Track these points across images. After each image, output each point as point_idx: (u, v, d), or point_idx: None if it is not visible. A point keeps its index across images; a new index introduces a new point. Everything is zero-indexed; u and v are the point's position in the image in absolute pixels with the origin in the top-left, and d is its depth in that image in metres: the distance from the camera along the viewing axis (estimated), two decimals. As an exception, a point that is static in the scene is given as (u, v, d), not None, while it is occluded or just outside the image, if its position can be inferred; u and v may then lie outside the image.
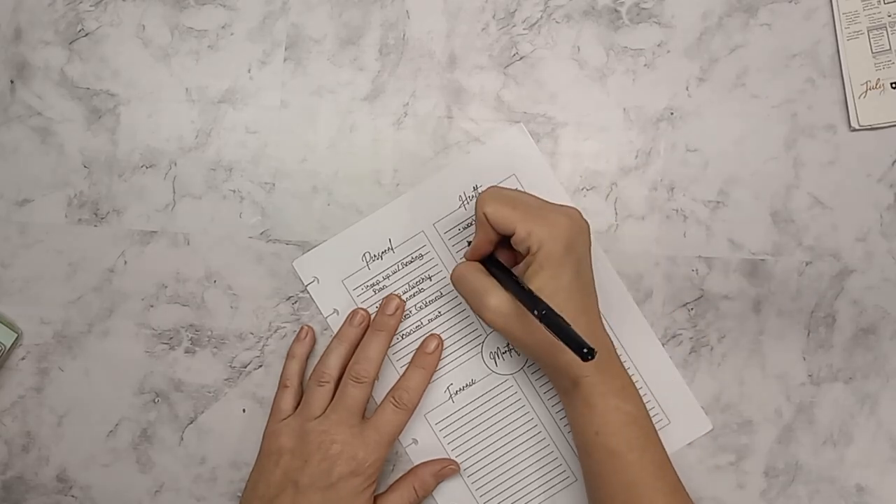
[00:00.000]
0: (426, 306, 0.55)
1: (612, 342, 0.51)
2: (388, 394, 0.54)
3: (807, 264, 0.55)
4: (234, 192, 0.56)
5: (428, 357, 0.54)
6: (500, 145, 0.55)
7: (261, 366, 0.55)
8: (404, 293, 0.55)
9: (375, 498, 0.53)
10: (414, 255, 0.55)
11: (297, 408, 0.54)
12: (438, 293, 0.55)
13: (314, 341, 0.55)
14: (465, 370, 0.55)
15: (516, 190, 0.51)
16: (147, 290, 0.56)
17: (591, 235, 0.51)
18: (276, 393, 0.54)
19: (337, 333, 0.54)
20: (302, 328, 0.55)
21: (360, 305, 0.55)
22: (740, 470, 0.55)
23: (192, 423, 0.56)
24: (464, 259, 0.53)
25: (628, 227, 0.55)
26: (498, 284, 0.49)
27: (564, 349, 0.43)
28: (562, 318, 0.44)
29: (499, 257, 0.52)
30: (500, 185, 0.55)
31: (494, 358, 0.55)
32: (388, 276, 0.55)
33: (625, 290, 0.55)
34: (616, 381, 0.50)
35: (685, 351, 0.55)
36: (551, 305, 0.45)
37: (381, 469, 0.52)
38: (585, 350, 0.41)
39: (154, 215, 0.56)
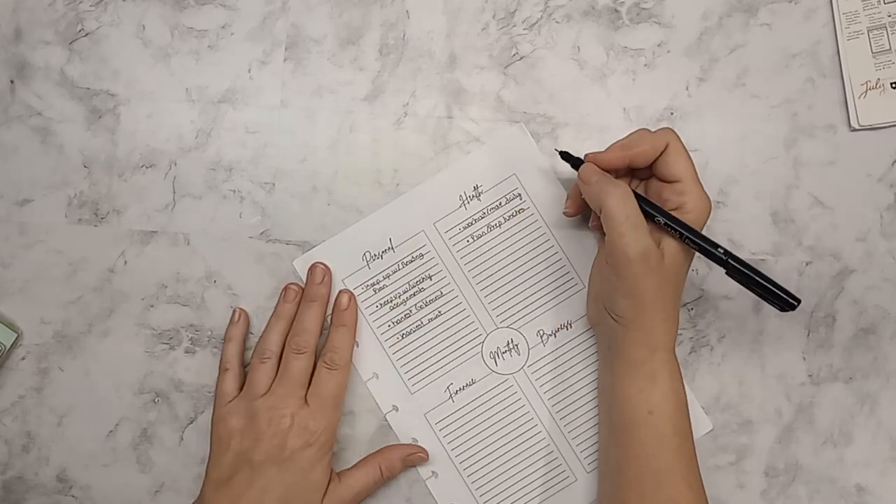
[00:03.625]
0: (426, 306, 0.55)
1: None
2: (318, 359, 0.54)
3: (807, 264, 0.55)
4: (234, 192, 0.56)
5: (345, 314, 0.54)
6: (500, 145, 0.55)
7: (261, 366, 0.55)
8: (404, 293, 0.55)
9: (340, 473, 0.53)
10: (414, 255, 0.55)
11: (241, 390, 0.54)
12: (439, 293, 0.55)
13: (248, 322, 0.55)
14: (465, 370, 0.55)
15: None
16: (147, 290, 0.56)
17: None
18: (218, 378, 0.54)
19: (274, 311, 0.54)
20: (234, 311, 0.55)
21: (360, 304, 0.55)
22: (740, 470, 0.55)
23: (192, 423, 0.56)
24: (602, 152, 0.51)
25: (628, 227, 0.55)
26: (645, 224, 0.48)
27: (654, 317, 0.45)
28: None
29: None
30: (501, 183, 0.55)
31: (494, 358, 0.55)
32: (388, 276, 0.55)
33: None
34: (677, 364, 0.50)
35: (685, 351, 0.55)
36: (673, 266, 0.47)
37: (334, 436, 0.53)
38: (793, 300, 0.43)
39: (154, 215, 0.56)
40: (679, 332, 0.55)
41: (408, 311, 0.55)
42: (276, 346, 0.53)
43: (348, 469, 0.54)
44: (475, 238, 0.55)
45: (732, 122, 0.55)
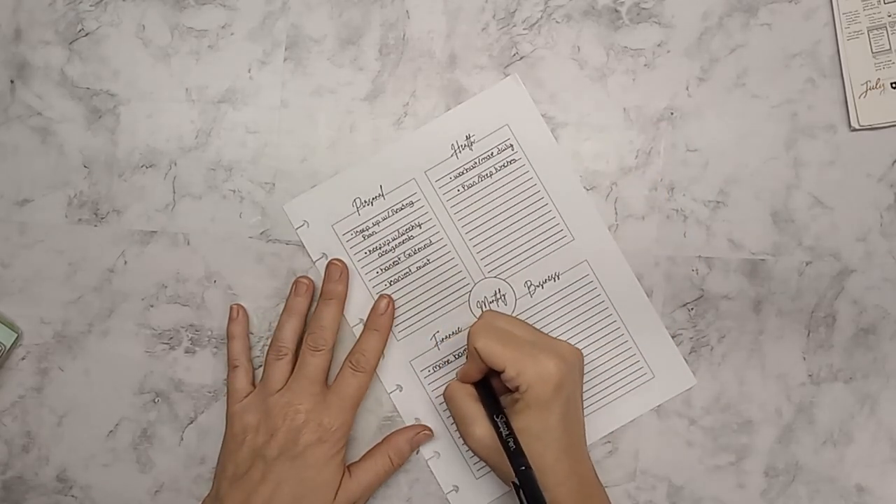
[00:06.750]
0: (415, 254, 0.55)
1: (599, 483, 0.51)
2: (346, 358, 0.54)
3: (807, 264, 0.55)
4: (234, 192, 0.56)
5: (381, 318, 0.54)
6: (493, 95, 0.55)
7: (261, 366, 0.55)
8: (393, 240, 0.55)
9: (350, 466, 0.53)
10: (404, 203, 0.55)
11: (252, 386, 0.54)
12: (427, 241, 0.55)
13: (248, 318, 0.55)
14: (451, 318, 0.55)
15: (510, 317, 0.52)
16: (147, 290, 0.56)
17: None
18: (228, 376, 0.54)
19: (285, 306, 0.54)
20: (232, 308, 0.55)
21: (349, 250, 0.55)
22: (740, 470, 0.55)
23: (192, 423, 0.56)
24: (456, 377, 0.54)
25: (628, 227, 0.55)
26: (484, 413, 0.50)
27: (545, 487, 0.45)
28: (536, 482, 0.45)
29: (492, 378, 0.52)
30: (493, 134, 0.55)
31: (482, 307, 0.55)
32: (377, 223, 0.55)
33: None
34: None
35: (685, 351, 0.55)
36: (537, 444, 0.48)
37: (347, 434, 0.53)
38: None
39: (154, 215, 0.56)
40: (679, 332, 0.55)
41: (396, 259, 0.55)
42: (290, 342, 0.54)
43: (357, 462, 0.54)
44: (466, 187, 0.55)
45: (732, 122, 0.55)
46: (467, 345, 0.51)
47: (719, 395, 0.55)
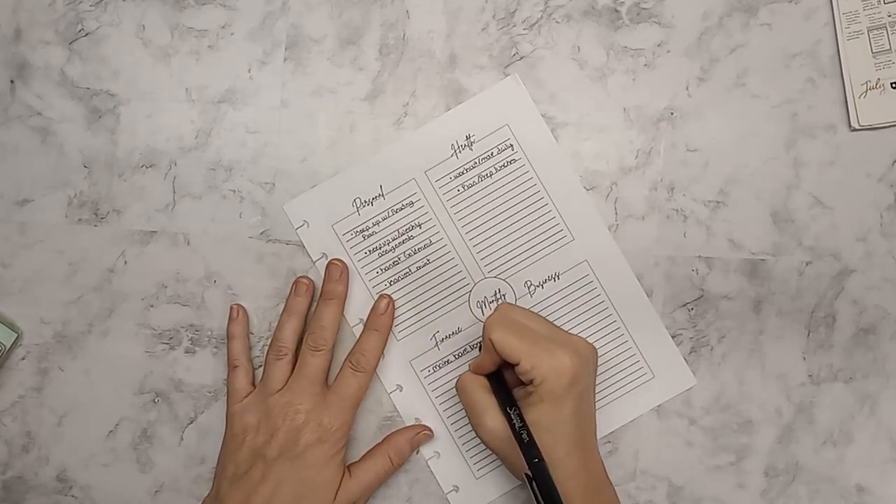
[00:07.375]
0: (414, 254, 0.55)
1: (608, 478, 0.51)
2: (346, 358, 0.54)
3: (807, 264, 0.55)
4: (234, 192, 0.56)
5: (381, 318, 0.54)
6: (493, 95, 0.55)
7: (261, 366, 0.55)
8: (393, 240, 0.55)
9: (349, 466, 0.53)
10: (404, 203, 0.55)
11: (252, 386, 0.54)
12: (427, 241, 0.55)
13: (248, 317, 0.55)
14: (451, 318, 0.55)
15: (526, 311, 0.52)
16: (147, 290, 0.56)
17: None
18: (228, 376, 0.54)
19: (286, 306, 0.54)
20: (232, 308, 0.55)
21: (349, 250, 0.55)
22: (740, 470, 0.55)
23: (192, 423, 0.56)
24: (469, 369, 0.53)
25: (628, 227, 0.55)
26: (496, 405, 0.50)
27: (555, 480, 0.45)
28: (549, 475, 0.45)
29: (506, 371, 0.52)
30: (493, 134, 0.55)
31: (482, 307, 0.55)
32: (377, 223, 0.55)
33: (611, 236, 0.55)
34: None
35: (685, 351, 0.55)
36: (548, 438, 0.47)
37: (348, 434, 0.53)
38: None
39: (154, 215, 0.56)
40: (679, 332, 0.55)
41: (396, 259, 0.55)
42: (290, 342, 0.54)
43: (357, 462, 0.54)
44: (466, 187, 0.55)
45: (732, 122, 0.55)
46: (482, 336, 0.51)
47: (719, 395, 0.55)
